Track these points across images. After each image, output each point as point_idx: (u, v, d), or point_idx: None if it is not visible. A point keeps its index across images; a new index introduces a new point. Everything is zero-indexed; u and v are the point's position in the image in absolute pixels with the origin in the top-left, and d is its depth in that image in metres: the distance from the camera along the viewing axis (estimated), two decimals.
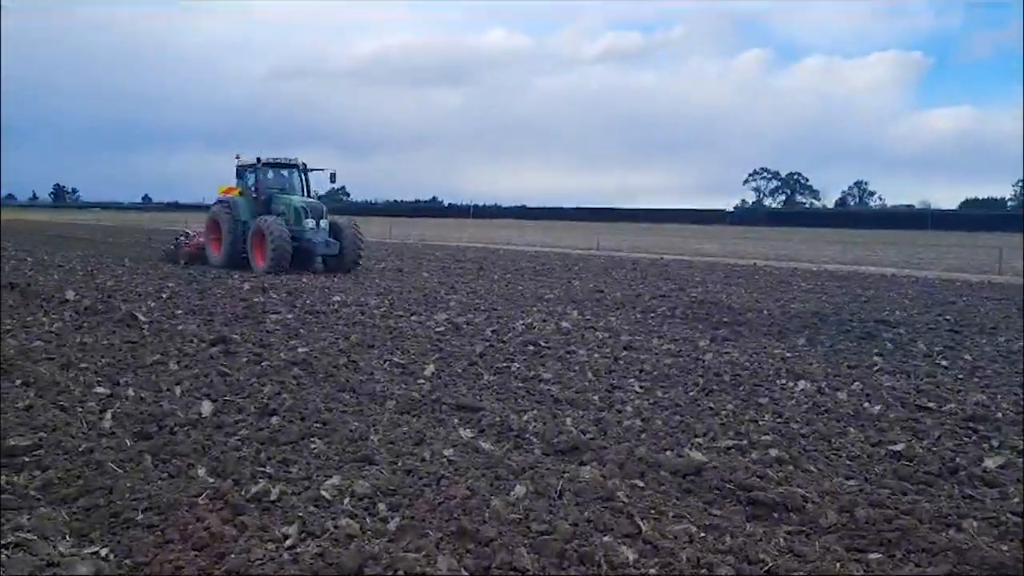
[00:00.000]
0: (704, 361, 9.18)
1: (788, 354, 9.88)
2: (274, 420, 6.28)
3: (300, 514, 4.45)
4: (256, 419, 6.36)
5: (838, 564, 4.04)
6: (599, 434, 6.18)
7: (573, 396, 7.37)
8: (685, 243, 42.22)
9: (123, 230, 47.53)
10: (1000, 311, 14.85)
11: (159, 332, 10.23)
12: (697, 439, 6.13)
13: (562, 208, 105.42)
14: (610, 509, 4.59)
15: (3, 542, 4.08)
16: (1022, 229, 55.41)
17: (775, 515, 4.69)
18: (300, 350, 9.09)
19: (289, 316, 11.95)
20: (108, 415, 6.31)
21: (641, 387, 7.85)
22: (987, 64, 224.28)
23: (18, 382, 7.35)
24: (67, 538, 4.22)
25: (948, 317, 13.77)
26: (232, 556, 3.93)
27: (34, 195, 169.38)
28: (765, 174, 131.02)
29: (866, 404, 7.31)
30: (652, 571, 3.88)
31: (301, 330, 10.72)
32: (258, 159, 20.63)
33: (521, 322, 11.90)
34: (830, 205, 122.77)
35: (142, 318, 11.09)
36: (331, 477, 5.03)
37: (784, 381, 8.28)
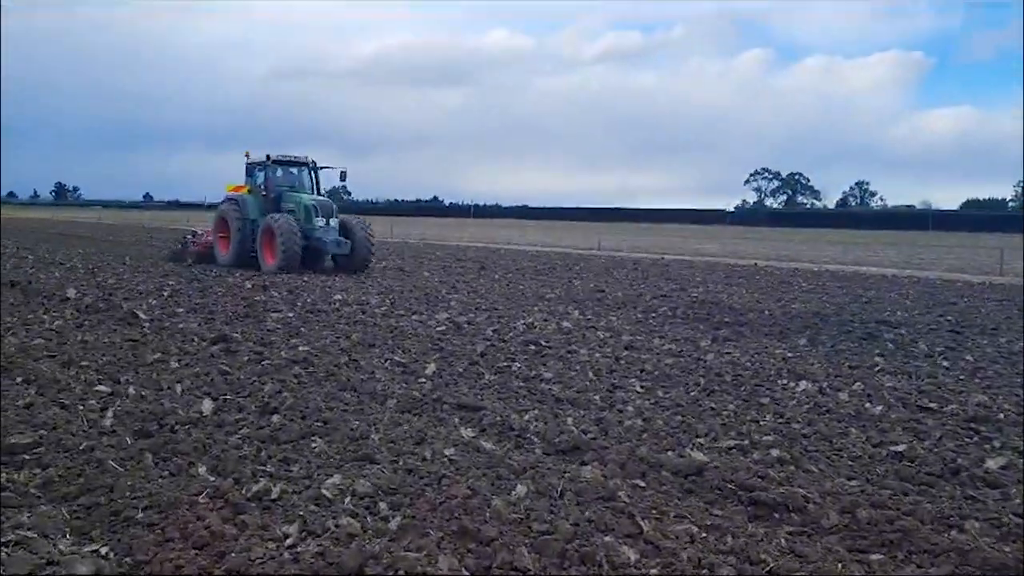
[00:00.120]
0: (705, 361, 9.17)
1: (789, 354, 9.87)
2: (275, 419, 6.27)
3: (301, 513, 4.45)
4: (257, 418, 6.35)
5: (840, 565, 4.03)
6: (600, 434, 6.17)
7: (574, 396, 7.36)
8: (686, 243, 42.21)
9: (124, 228, 47.53)
10: (1001, 312, 14.84)
11: (160, 330, 10.23)
12: (698, 439, 6.12)
13: (563, 208, 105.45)
14: (611, 509, 4.58)
15: (3, 540, 4.08)
16: (1023, 230, 55.38)
17: (776, 515, 4.68)
18: (301, 349, 9.09)
19: (290, 315, 11.94)
20: (109, 413, 6.31)
21: (642, 387, 7.84)
22: (988, 64, 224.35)
23: (19, 380, 7.35)
24: (67, 536, 4.22)
25: (949, 318, 13.76)
26: (232, 555, 3.92)
27: (35, 193, 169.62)
28: (766, 174, 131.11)
29: (867, 404, 7.30)
30: (653, 571, 3.87)
31: (302, 329, 10.72)
32: (268, 156, 20.30)
33: (522, 322, 11.89)
34: (831, 205, 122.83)
35: (143, 316, 11.09)
36: (332, 476, 5.02)
37: (785, 381, 8.28)
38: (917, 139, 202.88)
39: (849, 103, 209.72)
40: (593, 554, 3.94)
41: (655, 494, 4.93)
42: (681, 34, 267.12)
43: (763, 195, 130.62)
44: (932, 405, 7.34)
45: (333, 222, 19.70)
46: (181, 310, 12.10)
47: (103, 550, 4.07)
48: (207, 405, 6.58)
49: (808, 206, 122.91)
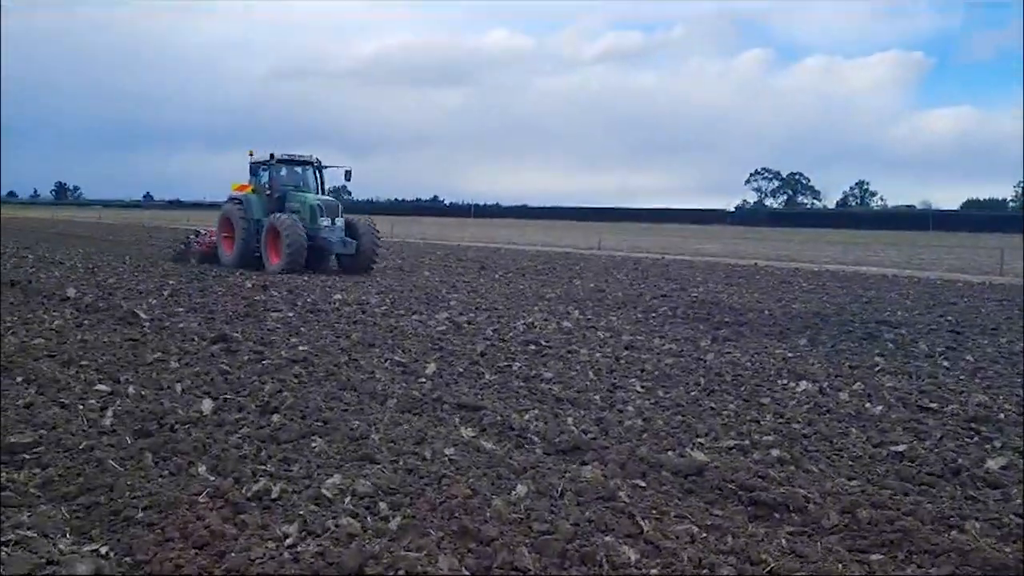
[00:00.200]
0: (705, 361, 9.17)
1: (789, 354, 9.87)
2: (275, 418, 6.26)
3: (301, 513, 4.44)
4: (257, 417, 6.35)
5: (840, 565, 4.03)
6: (600, 434, 6.17)
7: (574, 396, 7.35)
8: (686, 243, 42.21)
9: (124, 228, 47.52)
10: (1001, 312, 14.83)
11: (160, 330, 10.23)
12: (699, 439, 6.12)
13: (563, 208, 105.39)
14: (611, 509, 4.58)
15: (3, 540, 4.07)
16: (1023, 230, 55.37)
17: (777, 516, 4.68)
18: (301, 348, 9.08)
19: (290, 314, 11.94)
20: (109, 413, 6.30)
21: (642, 387, 7.84)
22: (988, 64, 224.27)
23: (19, 379, 7.34)
24: (67, 536, 4.21)
25: (949, 318, 13.76)
26: (232, 555, 3.92)
27: (35, 192, 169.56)
28: (766, 174, 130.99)
29: (868, 405, 7.30)
30: (654, 571, 3.87)
31: (302, 328, 10.72)
32: (272, 155, 20.05)
33: (522, 321, 11.89)
34: (831, 205, 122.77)
35: (143, 316, 11.08)
36: (332, 476, 5.01)
37: (786, 381, 8.27)
38: (917, 139, 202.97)
39: (849, 103, 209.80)
40: (593, 554, 3.94)
41: (655, 494, 4.93)
42: (681, 34, 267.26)
43: (763, 195, 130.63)
44: (932, 405, 7.34)
45: (339, 222, 19.45)
46: (181, 309, 12.10)
47: (103, 550, 4.07)
48: (207, 405, 6.57)
49: (808, 206, 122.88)
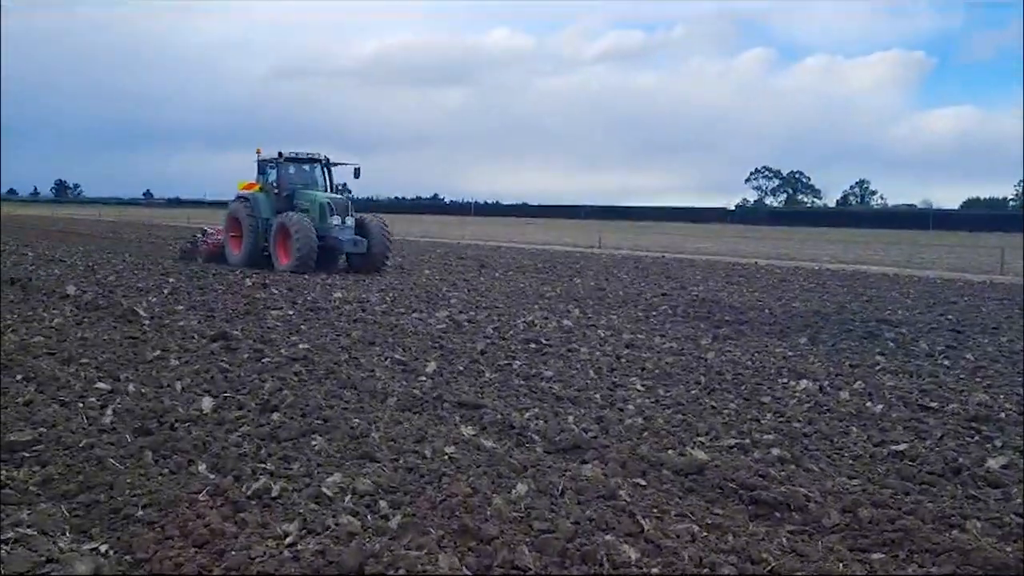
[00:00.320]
0: (706, 360, 9.17)
1: (790, 353, 9.86)
2: (275, 416, 6.26)
3: (301, 511, 4.44)
4: (257, 415, 6.34)
5: (841, 564, 4.03)
6: (601, 432, 6.17)
7: (575, 394, 7.35)
8: (686, 242, 42.18)
9: (124, 226, 47.52)
10: (1002, 311, 14.82)
11: (160, 328, 10.22)
12: (699, 438, 6.11)
13: (563, 206, 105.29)
14: (612, 508, 4.57)
15: (3, 538, 4.07)
16: (1023, 229, 55.34)
17: (777, 515, 4.67)
18: (301, 346, 9.08)
19: (290, 312, 11.94)
20: (108, 411, 6.30)
21: (643, 385, 7.83)
22: (988, 64, 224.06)
23: (19, 377, 7.34)
24: (67, 534, 4.21)
25: (950, 317, 13.75)
26: (232, 553, 3.91)
27: (35, 191, 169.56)
28: (766, 173, 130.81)
29: (868, 403, 7.29)
30: (654, 570, 3.87)
31: (302, 326, 10.71)
32: (280, 153, 19.80)
33: (522, 320, 11.88)
34: (831, 204, 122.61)
35: (143, 313, 11.08)
36: (332, 474, 5.01)
37: (786, 380, 8.27)
38: (918, 138, 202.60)
39: (850, 102, 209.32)
40: (594, 553, 3.93)
41: (656, 493, 4.92)
42: (682, 34, 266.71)
43: (764, 194, 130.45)
44: (933, 404, 7.33)
45: (349, 220, 19.10)
46: (181, 307, 12.09)
47: (103, 548, 4.06)
48: (207, 403, 6.57)
49: (809, 205, 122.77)
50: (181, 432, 5.81)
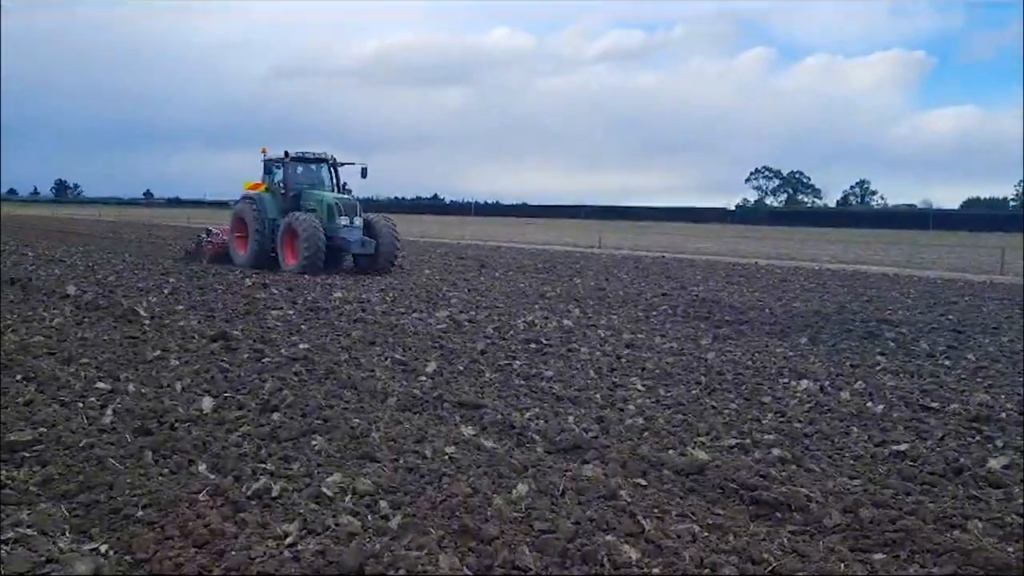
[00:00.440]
0: (706, 360, 9.16)
1: (790, 353, 9.86)
2: (275, 416, 6.25)
3: (301, 511, 4.43)
4: (257, 415, 6.34)
5: (842, 564, 4.02)
6: (601, 432, 6.16)
7: (575, 394, 7.34)
8: (686, 242, 42.18)
9: (124, 225, 47.51)
10: (1002, 311, 14.81)
11: (160, 327, 10.22)
12: (700, 438, 6.11)
13: (563, 206, 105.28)
14: (613, 508, 4.57)
15: (3, 538, 4.06)
16: (1023, 229, 55.34)
17: (778, 515, 4.67)
18: (301, 346, 9.07)
19: (290, 312, 11.93)
20: (108, 411, 6.29)
21: (643, 385, 7.82)
22: (989, 64, 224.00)
23: (19, 377, 7.33)
24: (67, 534, 4.20)
25: (950, 317, 13.74)
26: (232, 553, 3.90)
27: (35, 190, 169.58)
28: (766, 173, 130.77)
29: (869, 404, 7.28)
30: (655, 571, 3.86)
31: (302, 326, 10.70)
32: (286, 153, 19.63)
33: (523, 320, 11.87)
34: (832, 204, 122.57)
35: (143, 313, 11.07)
36: (332, 474, 5.00)
37: (787, 380, 8.26)
38: (918, 138, 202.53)
39: (850, 102, 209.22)
40: (595, 553, 3.92)
41: (656, 493, 4.92)
42: (682, 33, 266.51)
43: (764, 194, 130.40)
44: (934, 404, 7.32)
45: (357, 221, 18.87)
46: (181, 307, 12.08)
47: (103, 548, 4.06)
48: (207, 403, 6.57)
49: (809, 205, 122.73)
50: (181, 432, 5.80)
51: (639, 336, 10.73)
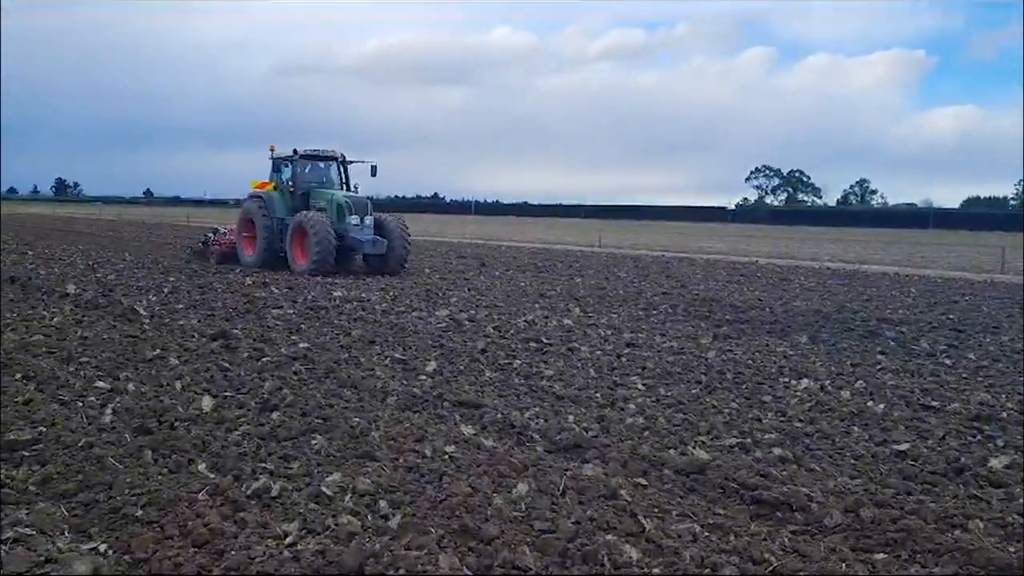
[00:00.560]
0: (707, 359, 9.15)
1: (791, 352, 9.85)
2: (275, 416, 6.24)
3: (301, 511, 4.42)
4: (257, 415, 6.33)
5: (843, 564, 4.01)
6: (602, 432, 6.15)
7: (575, 393, 7.33)
8: (686, 241, 42.16)
9: (124, 224, 47.49)
10: (1003, 310, 14.80)
11: (160, 326, 10.21)
12: (700, 437, 6.10)
13: (563, 205, 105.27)
14: (613, 507, 4.56)
15: (2, 537, 4.05)
16: (1023, 228, 55.32)
17: (779, 514, 4.66)
18: (301, 345, 9.06)
19: (290, 311, 11.92)
20: (108, 410, 6.28)
21: (644, 385, 7.81)
22: (989, 64, 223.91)
23: (18, 376, 7.32)
24: (66, 534, 4.19)
25: (951, 316, 13.73)
26: (232, 553, 3.90)
27: (35, 189, 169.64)
28: (767, 172, 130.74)
29: (870, 403, 7.27)
30: (656, 570, 3.85)
31: (302, 325, 10.69)
32: (295, 151, 19.28)
33: (523, 319, 11.86)
34: (832, 203, 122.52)
35: (143, 312, 11.06)
36: (332, 474, 4.99)
37: (787, 379, 8.25)
38: (919, 138, 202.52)
39: (850, 102, 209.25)
40: (595, 553, 3.91)
41: (657, 492, 4.91)
42: (684, 32, 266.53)
43: (764, 193, 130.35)
44: (935, 403, 7.31)
45: (368, 220, 18.53)
46: (181, 306, 12.07)
47: (102, 547, 4.05)
48: (207, 402, 6.56)
49: (809, 204, 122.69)
50: (181, 431, 5.79)
51: (639, 335, 10.72)
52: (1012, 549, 4.18)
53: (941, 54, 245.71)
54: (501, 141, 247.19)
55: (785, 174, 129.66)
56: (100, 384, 7.10)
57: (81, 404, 6.47)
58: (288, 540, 4.08)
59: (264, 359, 8.35)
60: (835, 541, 4.32)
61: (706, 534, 4.31)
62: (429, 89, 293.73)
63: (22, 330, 9.57)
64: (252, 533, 4.13)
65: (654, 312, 13.30)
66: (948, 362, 9.47)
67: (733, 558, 4.01)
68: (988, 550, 4.10)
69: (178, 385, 7.16)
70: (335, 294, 14.05)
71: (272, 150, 19.99)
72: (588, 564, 3.87)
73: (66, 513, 4.44)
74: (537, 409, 6.74)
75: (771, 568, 3.94)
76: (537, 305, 13.68)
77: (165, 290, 14.02)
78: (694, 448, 5.70)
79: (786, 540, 4.29)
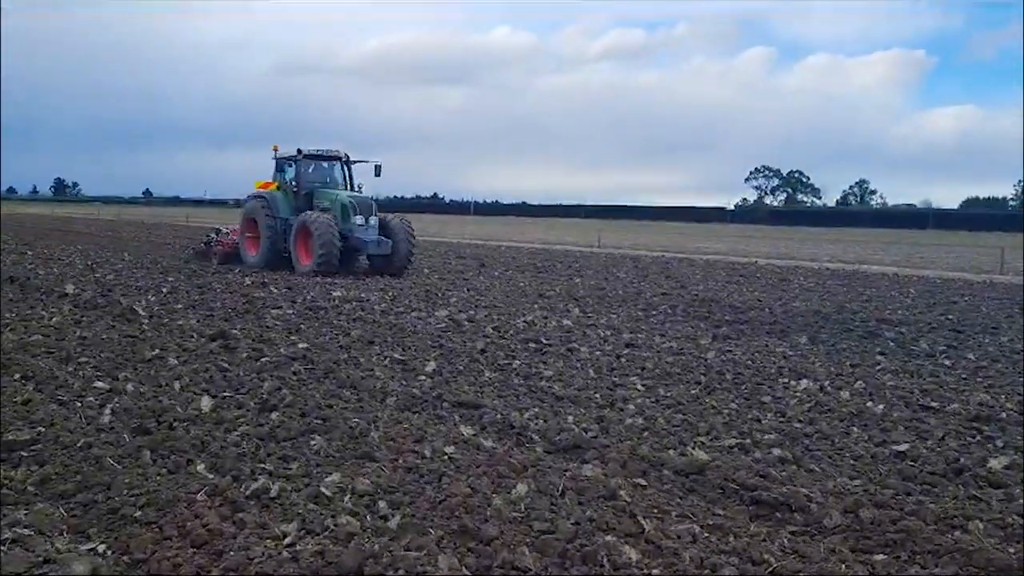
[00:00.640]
0: (706, 359, 9.14)
1: (790, 352, 9.84)
2: (274, 416, 6.24)
3: (300, 511, 4.42)
4: (256, 415, 6.32)
5: (843, 565, 4.01)
6: (601, 432, 6.15)
7: (575, 394, 7.33)
8: (686, 241, 42.17)
9: (123, 224, 47.47)
10: (1002, 311, 14.81)
11: (159, 327, 10.20)
12: (700, 438, 6.09)
13: (563, 205, 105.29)
14: (612, 508, 4.55)
15: (0, 538, 4.04)
16: (1023, 228, 55.35)
17: (779, 515, 4.65)
18: (300, 346, 9.05)
19: (290, 311, 11.91)
20: (107, 410, 6.27)
21: (643, 385, 7.81)
22: (989, 64, 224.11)
23: (16, 376, 7.31)
24: (64, 534, 4.18)
25: (950, 316, 13.73)
26: (231, 553, 3.89)
27: (35, 189, 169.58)
28: (766, 172, 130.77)
29: (869, 403, 7.27)
30: (655, 571, 3.84)
31: (301, 326, 10.69)
32: (299, 151, 19.12)
33: (522, 319, 11.86)
34: (831, 204, 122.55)
35: (142, 312, 11.05)
36: (331, 474, 4.99)
37: (786, 380, 8.25)
38: (918, 138, 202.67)
39: (850, 102, 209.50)
40: (594, 553, 3.91)
41: (656, 493, 4.90)
42: (684, 32, 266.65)
43: (763, 193, 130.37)
44: (934, 404, 7.31)
45: (372, 220, 18.41)
46: (180, 306, 12.06)
47: (100, 548, 4.04)
48: (206, 402, 6.55)
49: (808, 204, 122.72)
50: (180, 432, 5.78)
51: (639, 336, 10.71)
52: (1012, 550, 4.17)
53: (941, 54, 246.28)
54: (501, 141, 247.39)
55: (785, 174, 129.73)
56: (99, 384, 7.09)
57: (80, 404, 6.46)
58: (287, 541, 4.07)
59: (263, 359, 8.34)
60: (835, 542, 4.31)
61: (705, 535, 4.30)
62: (429, 89, 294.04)
63: (21, 330, 9.56)
64: (251, 534, 4.12)
65: (653, 312, 13.30)
66: (947, 363, 9.47)
67: (733, 559, 4.00)
68: (988, 551, 4.10)
69: (177, 385, 7.15)
70: (334, 294, 14.03)
71: (275, 150, 19.89)
72: (587, 565, 3.87)
73: (65, 513, 4.43)
74: (536, 410, 6.73)
75: (771, 569, 3.93)
76: (536, 305, 13.67)
77: (164, 290, 14.01)
78: (693, 449, 5.69)
79: (785, 541, 4.29)
